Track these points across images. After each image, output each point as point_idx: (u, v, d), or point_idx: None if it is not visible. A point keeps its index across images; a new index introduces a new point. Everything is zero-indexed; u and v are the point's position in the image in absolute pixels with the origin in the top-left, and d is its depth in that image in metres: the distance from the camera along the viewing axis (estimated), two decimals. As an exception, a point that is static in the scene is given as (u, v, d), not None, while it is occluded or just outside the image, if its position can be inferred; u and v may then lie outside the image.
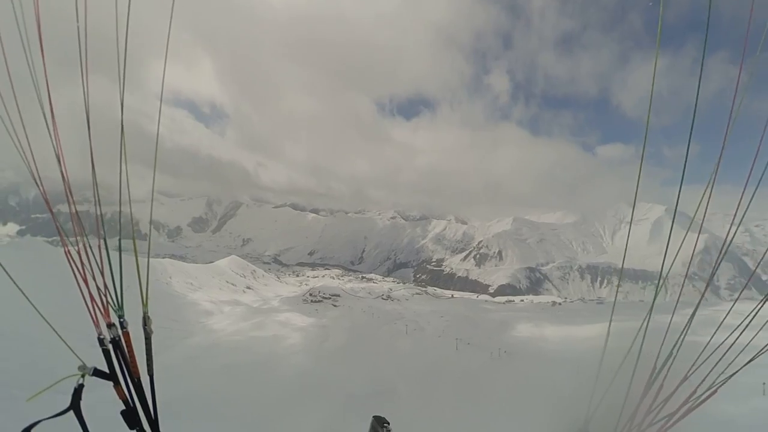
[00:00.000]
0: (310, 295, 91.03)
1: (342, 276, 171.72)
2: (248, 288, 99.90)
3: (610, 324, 1.59)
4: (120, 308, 1.80)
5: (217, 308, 71.22)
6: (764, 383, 26.32)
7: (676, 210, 1.69)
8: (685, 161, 1.53)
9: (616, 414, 1.45)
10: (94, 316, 1.71)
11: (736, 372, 1.37)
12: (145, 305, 1.85)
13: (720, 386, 1.37)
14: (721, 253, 1.60)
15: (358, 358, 43.59)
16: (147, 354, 1.83)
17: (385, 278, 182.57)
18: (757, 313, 1.41)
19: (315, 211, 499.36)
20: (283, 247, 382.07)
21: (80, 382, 1.65)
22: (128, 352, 1.77)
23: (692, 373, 1.43)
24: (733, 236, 1.64)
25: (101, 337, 1.72)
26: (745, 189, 1.43)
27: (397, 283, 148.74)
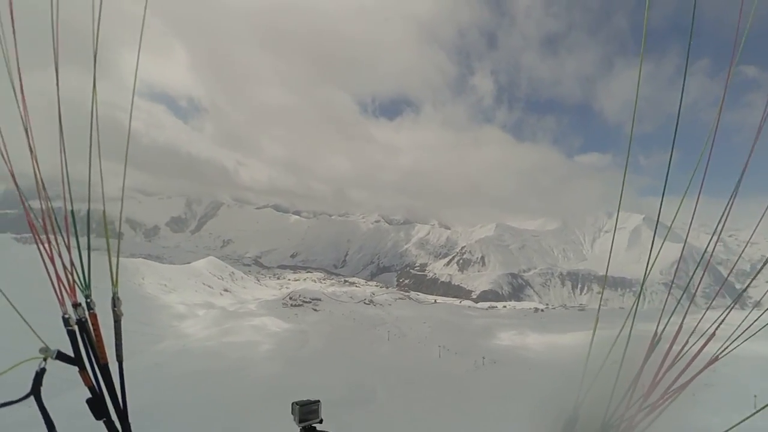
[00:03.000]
0: (290, 298, 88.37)
1: (324, 279, 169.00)
2: (225, 290, 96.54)
3: (597, 317, 1.80)
4: (87, 287, 1.66)
5: (190, 311, 68.10)
6: (755, 395, 25.72)
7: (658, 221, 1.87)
8: (667, 174, 1.69)
9: (602, 402, 1.58)
10: (59, 294, 1.60)
11: (701, 371, 1.56)
12: (114, 285, 1.71)
13: (690, 381, 1.55)
14: (702, 264, 1.73)
15: (337, 364, 41.93)
16: (116, 338, 1.69)
17: (368, 282, 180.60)
18: (723, 320, 1.59)
19: (297, 212, 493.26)
20: (265, 248, 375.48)
21: (42, 366, 1.54)
22: (95, 334, 1.64)
23: (670, 367, 1.56)
24: (713, 248, 1.75)
25: (66, 316, 1.59)
26: (732, 200, 1.52)
27: (380, 287, 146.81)
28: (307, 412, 1.95)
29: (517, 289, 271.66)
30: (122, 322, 1.68)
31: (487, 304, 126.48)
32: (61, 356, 1.56)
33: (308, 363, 41.07)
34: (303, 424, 1.97)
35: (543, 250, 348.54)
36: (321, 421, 1.98)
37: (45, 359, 1.53)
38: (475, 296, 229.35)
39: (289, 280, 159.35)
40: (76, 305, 1.63)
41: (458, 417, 29.16)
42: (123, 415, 1.65)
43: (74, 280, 1.65)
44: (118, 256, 1.74)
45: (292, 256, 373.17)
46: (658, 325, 1.63)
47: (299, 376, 35.15)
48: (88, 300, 1.66)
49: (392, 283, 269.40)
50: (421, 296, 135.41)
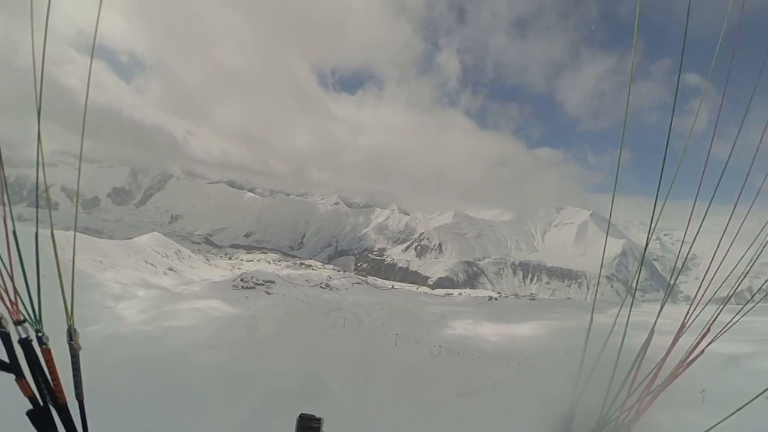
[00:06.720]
0: (242, 280, 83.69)
1: (279, 261, 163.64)
2: (170, 269, 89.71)
3: (591, 318, 1.71)
4: (38, 321, 1.44)
5: (128, 291, 61.97)
6: (703, 391, 26.41)
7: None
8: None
9: (596, 398, 1.59)
10: None
11: (689, 364, 1.62)
12: (69, 317, 1.50)
13: (681, 372, 1.61)
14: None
15: (288, 352, 39.49)
16: (74, 374, 1.50)
17: (325, 265, 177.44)
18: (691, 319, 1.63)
19: (252, 189, 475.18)
20: (216, 226, 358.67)
21: None
22: (51, 371, 1.43)
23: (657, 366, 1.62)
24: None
25: None
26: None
27: (338, 271, 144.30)
28: (305, 426, 1.84)
29: (471, 276, 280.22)
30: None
31: (443, 291, 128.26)
32: None
33: (257, 350, 38.19)
34: None
35: (497, 240, 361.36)
36: None
37: None
38: (431, 282, 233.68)
39: (241, 260, 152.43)
40: (18, 323, 1.34)
41: (416, 411, 27.86)
42: None
43: (16, 298, 1.35)
44: (72, 280, 1.42)
45: (246, 235, 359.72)
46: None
47: (246, 365, 32.35)
48: (40, 335, 1.39)
49: (350, 267, 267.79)
50: (379, 281, 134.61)
